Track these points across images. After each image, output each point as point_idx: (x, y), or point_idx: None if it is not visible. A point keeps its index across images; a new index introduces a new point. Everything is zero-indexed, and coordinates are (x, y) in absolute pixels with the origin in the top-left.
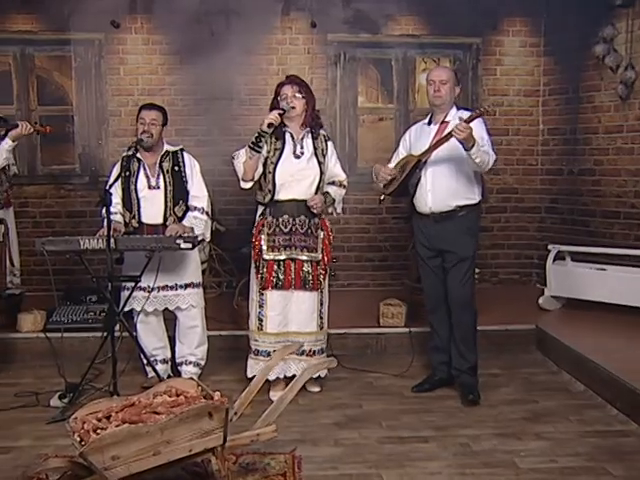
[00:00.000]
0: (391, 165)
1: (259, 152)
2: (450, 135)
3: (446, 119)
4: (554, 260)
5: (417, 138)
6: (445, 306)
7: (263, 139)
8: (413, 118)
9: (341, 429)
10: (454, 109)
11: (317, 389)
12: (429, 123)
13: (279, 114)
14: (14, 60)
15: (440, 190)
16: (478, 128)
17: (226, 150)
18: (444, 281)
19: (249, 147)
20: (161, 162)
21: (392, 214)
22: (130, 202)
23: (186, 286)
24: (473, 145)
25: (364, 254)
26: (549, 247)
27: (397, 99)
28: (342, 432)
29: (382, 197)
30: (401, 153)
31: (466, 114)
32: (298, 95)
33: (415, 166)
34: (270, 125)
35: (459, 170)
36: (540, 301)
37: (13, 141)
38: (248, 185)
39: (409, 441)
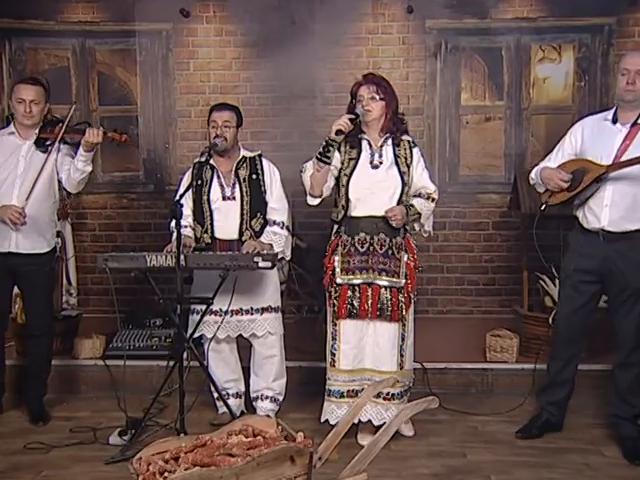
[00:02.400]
0: (553, 165)
1: (328, 163)
2: None
3: (639, 121)
4: None
5: (596, 138)
6: (581, 341)
7: (332, 148)
8: (527, 117)
9: None
10: None
11: (411, 433)
12: (614, 121)
13: (350, 119)
14: (73, 54)
15: (621, 207)
16: None
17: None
18: (591, 312)
19: (316, 158)
20: (237, 169)
21: (499, 230)
22: (202, 215)
23: (263, 310)
24: None
25: (466, 276)
26: None
27: (508, 95)
28: None
29: (543, 207)
30: (566, 152)
31: None
32: (376, 96)
33: (599, 177)
34: (339, 132)
35: None
36: None
37: (87, 151)
38: (316, 202)
39: None
